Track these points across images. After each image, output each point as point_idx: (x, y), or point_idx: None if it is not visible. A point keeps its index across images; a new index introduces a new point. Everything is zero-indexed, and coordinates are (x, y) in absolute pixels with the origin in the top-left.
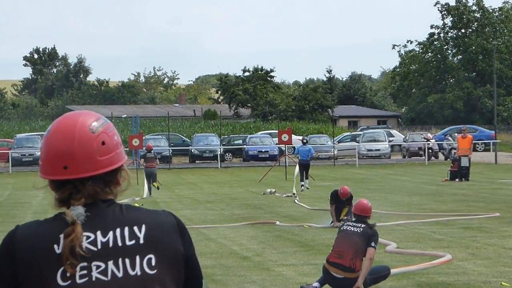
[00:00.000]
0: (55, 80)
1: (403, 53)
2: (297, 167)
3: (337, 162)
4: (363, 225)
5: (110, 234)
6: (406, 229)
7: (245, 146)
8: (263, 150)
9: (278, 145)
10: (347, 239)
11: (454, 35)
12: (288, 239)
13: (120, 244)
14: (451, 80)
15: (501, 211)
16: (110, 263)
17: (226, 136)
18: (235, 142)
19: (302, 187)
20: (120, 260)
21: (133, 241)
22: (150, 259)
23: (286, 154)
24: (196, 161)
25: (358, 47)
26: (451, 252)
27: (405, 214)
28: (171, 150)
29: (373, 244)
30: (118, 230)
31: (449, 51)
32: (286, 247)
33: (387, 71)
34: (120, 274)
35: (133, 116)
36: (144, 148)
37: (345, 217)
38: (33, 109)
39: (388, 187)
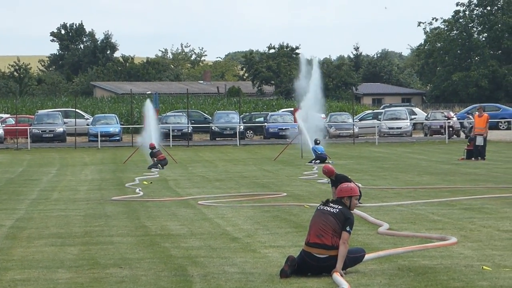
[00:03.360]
0: (82, 56)
1: (429, 31)
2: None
3: (358, 140)
4: (339, 207)
5: None
6: (406, 210)
7: (265, 123)
8: (284, 128)
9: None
10: (323, 218)
11: (480, 13)
12: (284, 220)
13: None
14: (476, 58)
15: (506, 191)
16: None
17: (247, 114)
18: (257, 119)
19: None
20: None
21: None
22: None
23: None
24: (217, 139)
25: (386, 24)
26: (444, 234)
27: (408, 194)
28: (191, 127)
29: (348, 228)
30: None
31: (475, 29)
32: (279, 228)
33: (414, 49)
34: None
35: (154, 92)
36: (149, 147)
37: None
38: (58, 85)
39: (402, 165)
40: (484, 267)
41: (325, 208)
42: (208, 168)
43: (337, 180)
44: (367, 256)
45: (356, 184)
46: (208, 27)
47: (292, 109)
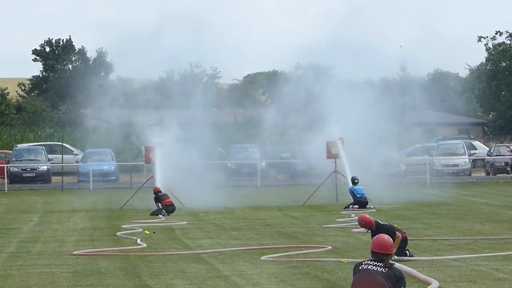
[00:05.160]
0: (70, 78)
1: (491, 47)
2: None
3: (405, 180)
4: (386, 265)
5: None
6: (464, 265)
7: (292, 159)
8: (315, 165)
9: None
10: (370, 279)
11: None
12: (316, 278)
13: None
14: None
15: None
16: None
17: (270, 148)
18: (282, 155)
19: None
20: None
21: None
22: None
23: (336, 170)
24: (234, 178)
25: (439, 39)
26: None
27: (466, 246)
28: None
29: None
30: None
31: None
32: None
33: (474, 69)
34: None
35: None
36: (153, 192)
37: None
38: (42, 114)
39: (460, 211)
40: None
41: (370, 268)
42: (223, 214)
43: (379, 231)
44: None
45: (402, 233)
46: (222, 42)
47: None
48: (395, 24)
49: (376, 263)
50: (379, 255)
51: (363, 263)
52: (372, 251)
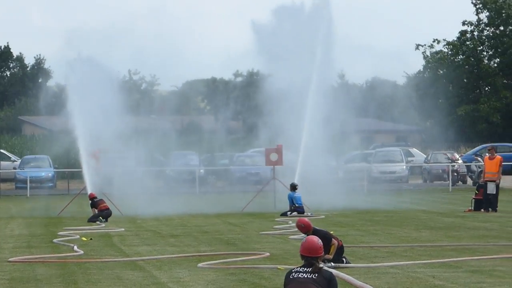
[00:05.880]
0: (8, 85)
1: (429, 55)
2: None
3: (343, 188)
4: (315, 269)
5: None
6: (400, 272)
7: (231, 166)
8: (253, 172)
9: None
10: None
11: (491, 34)
12: (253, 284)
13: None
14: (487, 89)
15: None
16: None
17: (209, 154)
18: (220, 161)
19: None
20: None
21: None
22: None
23: (275, 177)
24: (172, 185)
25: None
26: None
27: (403, 253)
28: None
29: None
30: None
31: (484, 53)
32: None
33: (411, 77)
34: None
35: None
36: (89, 198)
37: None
38: None
39: (397, 218)
40: None
41: (300, 276)
42: (160, 221)
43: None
44: None
45: (338, 241)
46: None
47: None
48: (334, 32)
49: (305, 269)
50: (308, 259)
51: (293, 270)
52: (301, 255)
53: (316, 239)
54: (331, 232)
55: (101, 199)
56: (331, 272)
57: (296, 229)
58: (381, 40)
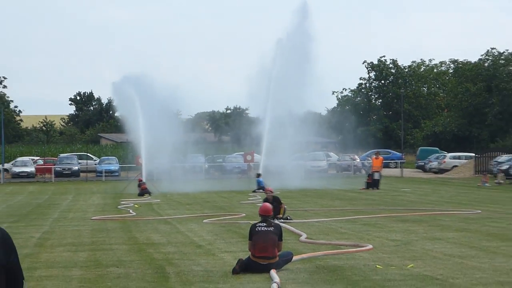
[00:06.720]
0: (92, 115)
1: (340, 97)
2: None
3: (289, 175)
4: (271, 223)
5: None
6: (322, 225)
7: (223, 163)
8: (237, 166)
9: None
10: (266, 237)
11: (376, 85)
12: (235, 232)
13: None
14: (374, 117)
15: (394, 211)
16: None
17: (210, 156)
18: (217, 160)
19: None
20: None
21: None
22: None
23: (249, 169)
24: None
25: (311, 92)
26: (350, 242)
27: (324, 214)
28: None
29: (282, 238)
30: None
31: (373, 96)
32: (232, 238)
33: (329, 110)
34: None
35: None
36: (138, 181)
37: (281, 216)
38: (75, 136)
39: (320, 193)
40: (377, 266)
41: (263, 229)
42: (181, 195)
43: (274, 201)
44: (294, 258)
45: (283, 205)
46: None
47: (243, 152)
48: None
49: (264, 224)
50: (264, 217)
51: (257, 225)
52: (260, 214)
53: (268, 205)
54: (282, 202)
55: (144, 182)
56: (279, 224)
57: (261, 200)
58: (311, 88)
